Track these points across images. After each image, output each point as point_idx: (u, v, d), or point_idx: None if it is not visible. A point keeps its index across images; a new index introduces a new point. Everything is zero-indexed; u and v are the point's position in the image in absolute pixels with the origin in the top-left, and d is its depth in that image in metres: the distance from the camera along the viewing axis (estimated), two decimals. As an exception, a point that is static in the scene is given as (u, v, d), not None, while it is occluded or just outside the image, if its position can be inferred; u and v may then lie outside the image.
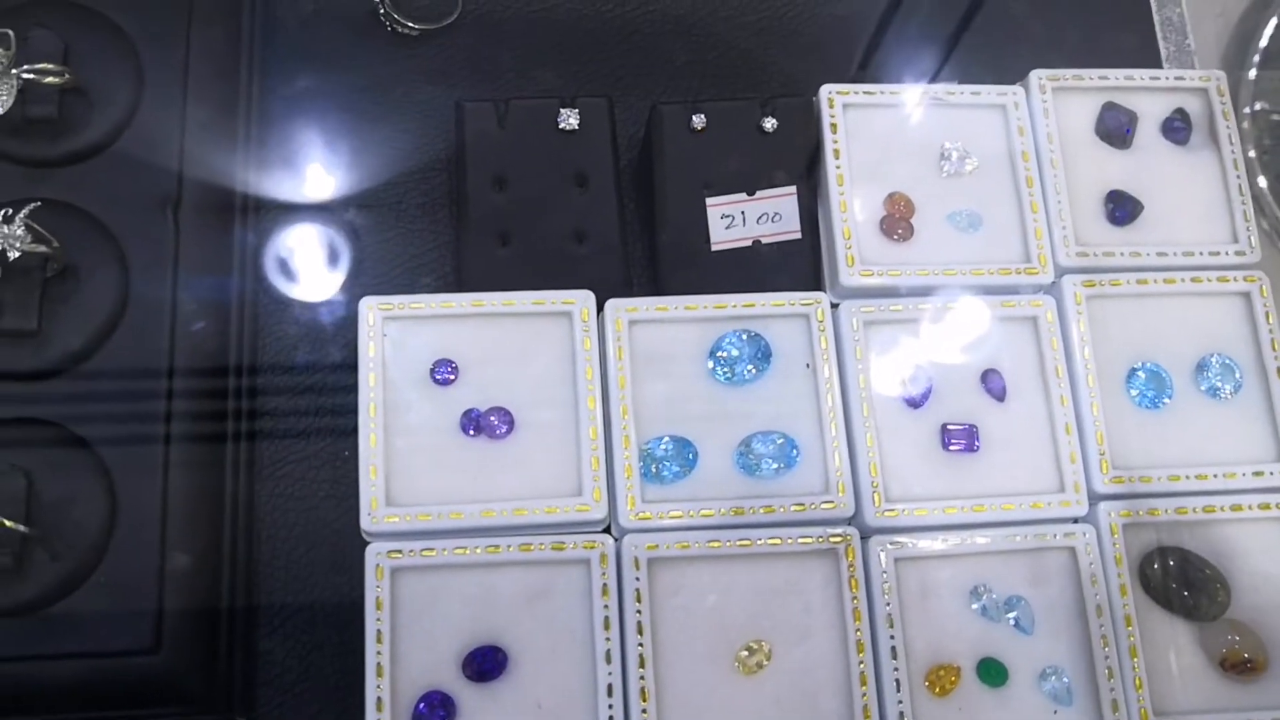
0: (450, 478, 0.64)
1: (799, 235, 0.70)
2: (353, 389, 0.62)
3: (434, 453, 0.64)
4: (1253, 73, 0.82)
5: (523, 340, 0.66)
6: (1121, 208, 0.71)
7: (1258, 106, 0.80)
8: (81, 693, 0.59)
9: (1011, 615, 0.64)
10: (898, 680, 0.62)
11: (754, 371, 0.66)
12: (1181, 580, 0.65)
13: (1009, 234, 0.70)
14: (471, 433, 0.64)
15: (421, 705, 0.60)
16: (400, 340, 0.65)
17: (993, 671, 0.63)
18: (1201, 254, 0.71)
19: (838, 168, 0.69)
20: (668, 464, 0.65)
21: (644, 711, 0.60)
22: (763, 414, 0.66)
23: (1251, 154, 0.81)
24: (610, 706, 0.61)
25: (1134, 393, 0.68)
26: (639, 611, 0.62)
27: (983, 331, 0.68)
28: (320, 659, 0.65)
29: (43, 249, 0.60)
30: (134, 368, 0.61)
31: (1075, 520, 0.66)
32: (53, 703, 0.60)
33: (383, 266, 0.72)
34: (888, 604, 0.63)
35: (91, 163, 0.64)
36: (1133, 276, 0.70)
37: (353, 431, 0.62)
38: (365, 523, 0.62)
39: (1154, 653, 0.65)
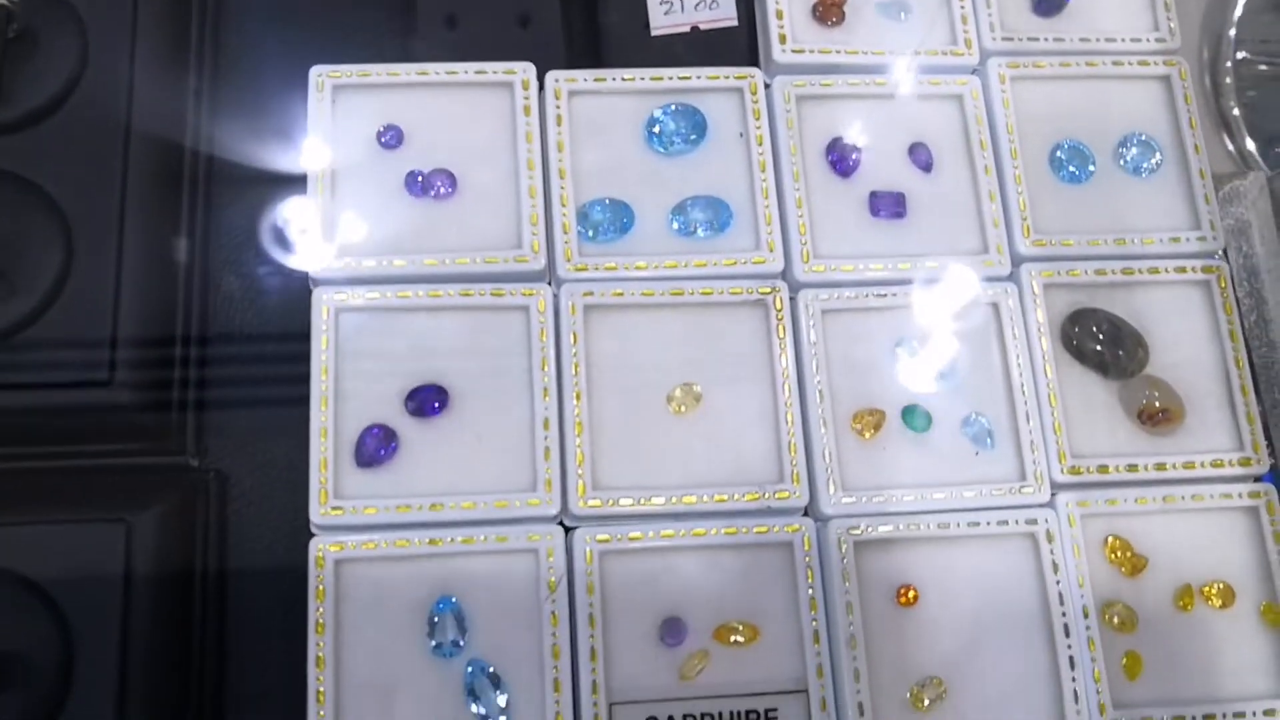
0: (395, 233, 0.66)
1: (735, 22, 0.73)
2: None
3: (380, 211, 0.66)
4: (1232, 31, 0.83)
5: (466, 108, 0.69)
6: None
7: (1240, 56, 0.81)
8: (37, 424, 0.62)
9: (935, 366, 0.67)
10: (824, 420, 0.65)
11: (689, 142, 0.69)
12: (1101, 338, 0.68)
13: (937, 20, 0.73)
14: (416, 193, 0.67)
15: (365, 437, 0.63)
16: (349, 108, 0.68)
17: (917, 416, 0.66)
18: (1123, 40, 0.74)
19: (771, -44, 0.72)
20: (604, 226, 0.67)
21: (579, 445, 0.63)
22: (697, 182, 0.69)
23: (1236, 111, 0.83)
24: (546, 438, 0.63)
25: (1057, 168, 0.71)
26: (575, 352, 0.64)
27: (910, 108, 0.71)
28: (269, 396, 0.67)
29: (3, 3, 0.63)
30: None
31: (998, 280, 0.69)
32: (6, 434, 0.62)
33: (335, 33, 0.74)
34: (814, 351, 0.66)
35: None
36: (1056, 60, 0.72)
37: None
38: (313, 269, 0.64)
39: (1073, 403, 0.67)
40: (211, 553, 0.63)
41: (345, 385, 0.63)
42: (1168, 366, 0.69)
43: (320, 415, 0.62)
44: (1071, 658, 0.62)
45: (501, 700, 0.59)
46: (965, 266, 0.68)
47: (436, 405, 0.63)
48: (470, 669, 0.60)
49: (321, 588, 0.60)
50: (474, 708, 0.59)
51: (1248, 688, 0.64)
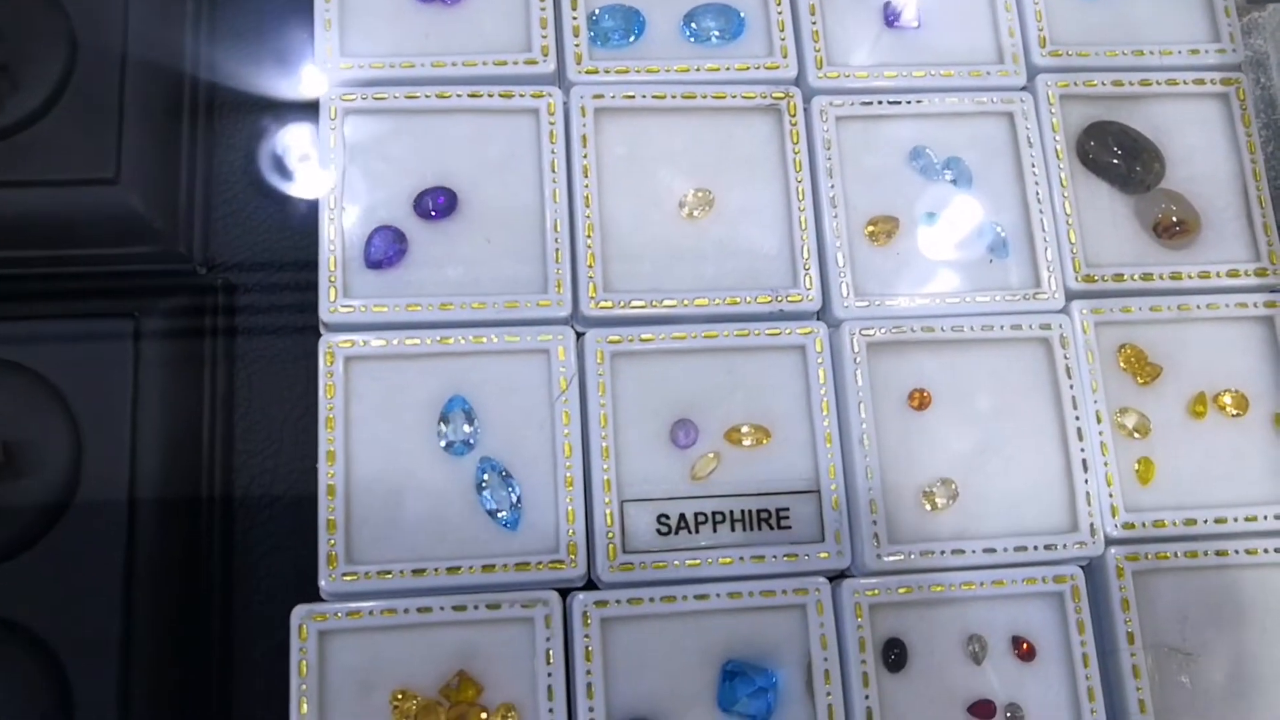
0: (404, 36, 0.65)
1: None
2: None
3: (390, 14, 0.65)
4: None
5: (473, -86, 0.67)
6: None
7: None
8: (42, 224, 0.61)
9: (950, 174, 0.66)
10: (837, 226, 0.64)
11: (700, -51, 0.67)
12: (1118, 151, 0.67)
13: None
14: (424, -1, 0.65)
15: (374, 237, 0.62)
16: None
17: (931, 224, 0.65)
18: None
19: None
20: (614, 32, 0.66)
21: (589, 246, 0.62)
22: (709, -11, 0.67)
23: None
24: (556, 241, 0.62)
25: (1076, -20, 0.70)
26: (585, 155, 0.63)
27: (926, -82, 0.70)
28: (277, 202, 0.66)
29: None
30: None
31: (1014, 90, 0.67)
32: (11, 235, 0.61)
33: None
34: (829, 158, 0.65)
35: None
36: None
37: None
38: (321, 72, 0.63)
39: (1089, 216, 0.67)
40: (220, 354, 0.63)
41: (354, 187, 0.62)
42: (1184, 180, 0.68)
43: (329, 216, 0.62)
44: (1084, 460, 0.62)
45: (513, 495, 0.59)
46: (980, 75, 0.66)
47: (445, 207, 0.62)
48: (481, 466, 0.60)
49: (331, 384, 0.59)
50: (484, 503, 0.59)
51: (1260, 493, 0.64)
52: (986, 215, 0.66)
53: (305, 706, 0.56)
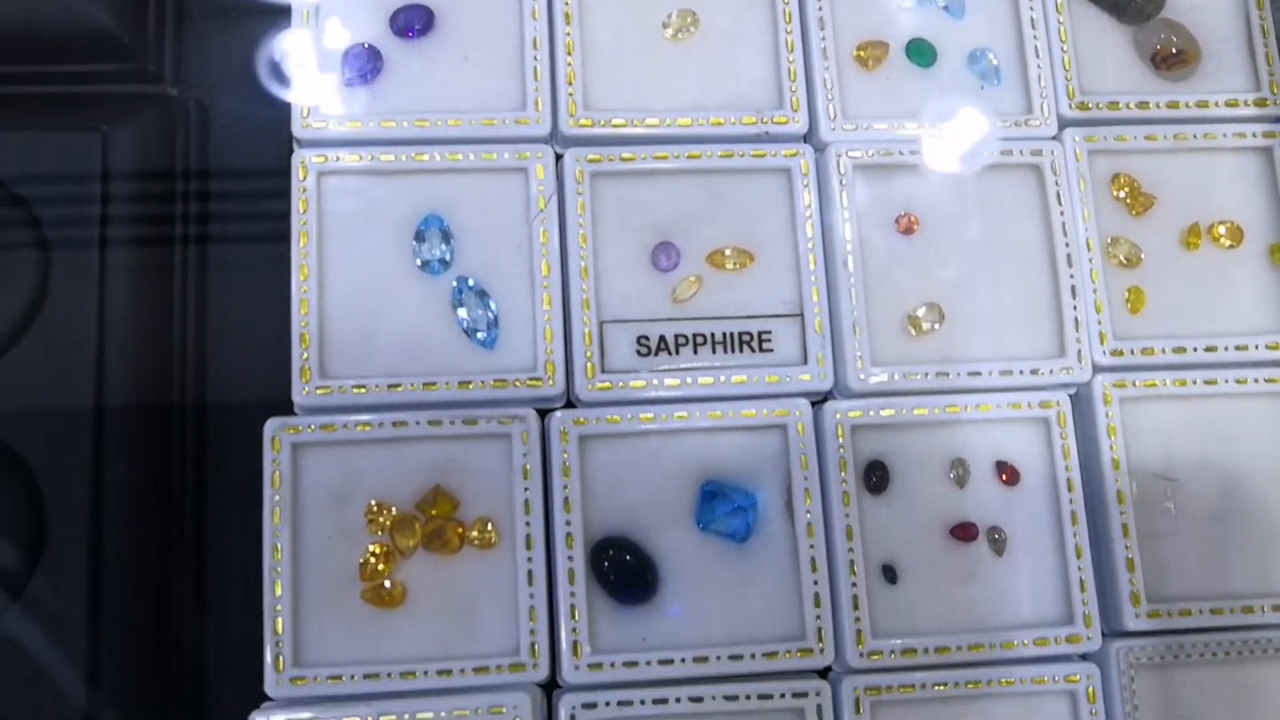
0: None
1: None
2: None
3: None
4: None
5: None
6: None
7: None
8: (9, 36, 0.59)
9: (943, 0, 0.64)
10: (825, 49, 0.62)
11: None
12: (1116, -22, 0.65)
13: None
14: None
15: (349, 54, 0.60)
16: None
17: (922, 51, 0.64)
18: None
19: None
20: None
21: (569, 64, 0.61)
22: None
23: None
24: (535, 58, 0.61)
25: None
26: (567, -28, 0.61)
27: None
28: (248, 18, 0.65)
29: None
30: None
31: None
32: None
33: None
34: (817, -22, 0.63)
35: None
36: None
37: None
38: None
39: (1085, 44, 0.65)
40: (192, 173, 0.61)
41: (329, 5, 0.61)
42: (1185, 9, 0.66)
43: (303, 28, 0.60)
44: (1073, 287, 0.61)
45: (490, 314, 0.58)
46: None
47: (421, 25, 0.61)
48: (458, 285, 0.59)
49: (305, 199, 0.58)
50: (461, 322, 0.58)
51: (1251, 324, 0.63)
52: (978, 43, 0.64)
53: (279, 516, 0.55)
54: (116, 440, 0.58)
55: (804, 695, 0.56)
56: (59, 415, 0.56)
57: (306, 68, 0.59)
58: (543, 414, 0.58)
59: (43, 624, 0.55)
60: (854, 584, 0.57)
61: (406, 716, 0.54)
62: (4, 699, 0.54)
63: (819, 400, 0.60)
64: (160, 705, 0.57)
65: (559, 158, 0.60)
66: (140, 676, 0.57)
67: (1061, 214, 0.62)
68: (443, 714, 0.54)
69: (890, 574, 0.58)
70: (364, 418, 0.57)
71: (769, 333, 0.60)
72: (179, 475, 0.60)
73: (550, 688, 0.57)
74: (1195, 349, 0.61)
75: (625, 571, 0.57)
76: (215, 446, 0.60)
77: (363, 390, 0.57)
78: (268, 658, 0.54)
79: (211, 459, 0.60)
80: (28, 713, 0.55)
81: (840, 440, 0.58)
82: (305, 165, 0.58)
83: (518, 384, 0.57)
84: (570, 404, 0.59)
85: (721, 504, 0.57)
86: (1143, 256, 0.62)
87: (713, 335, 0.59)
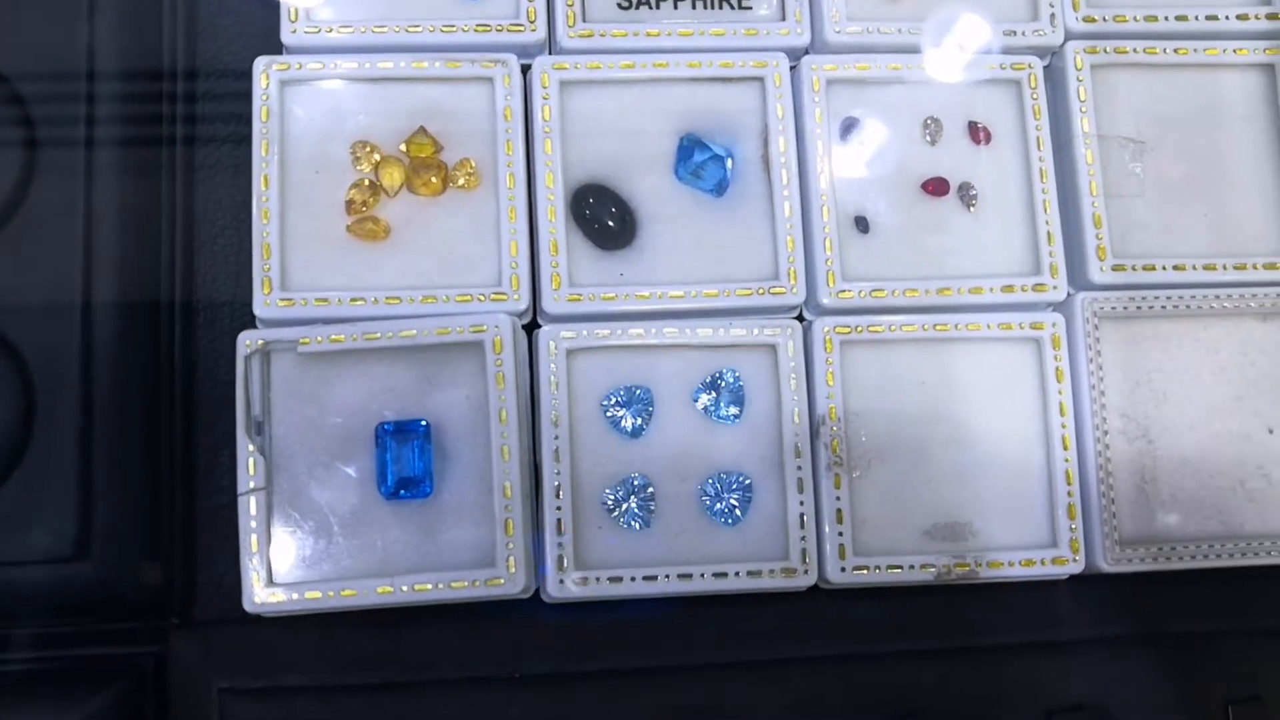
0: None
1: None
2: None
3: None
4: None
5: None
6: None
7: None
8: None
9: None
10: None
11: None
12: None
13: None
14: None
15: None
16: None
17: None
18: None
19: None
20: None
21: None
22: None
23: None
24: None
25: None
26: None
27: None
28: None
29: None
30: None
31: None
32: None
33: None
34: None
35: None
36: None
37: None
38: None
39: None
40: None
41: None
42: None
43: None
44: None
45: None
46: None
47: None
48: (442, -62, 0.59)
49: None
50: None
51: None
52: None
53: (267, 149, 0.57)
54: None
55: (777, 331, 0.58)
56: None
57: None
58: (524, 64, 0.59)
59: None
60: (826, 231, 0.59)
61: (390, 334, 0.55)
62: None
63: (796, 56, 0.61)
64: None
65: None
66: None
67: None
68: (427, 332, 0.55)
69: (863, 224, 0.60)
70: (350, 57, 0.58)
71: (749, -5, 0.61)
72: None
73: (530, 329, 0.58)
74: (1167, 17, 0.62)
75: (605, 219, 0.58)
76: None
77: (349, 30, 0.58)
78: (256, 281, 0.56)
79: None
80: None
81: (816, 93, 0.60)
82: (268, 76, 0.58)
83: (500, 29, 0.58)
84: (551, 53, 0.60)
85: (700, 152, 0.59)
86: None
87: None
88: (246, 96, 0.58)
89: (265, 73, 0.57)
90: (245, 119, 0.58)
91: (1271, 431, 0.60)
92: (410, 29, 0.58)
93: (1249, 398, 0.60)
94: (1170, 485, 0.59)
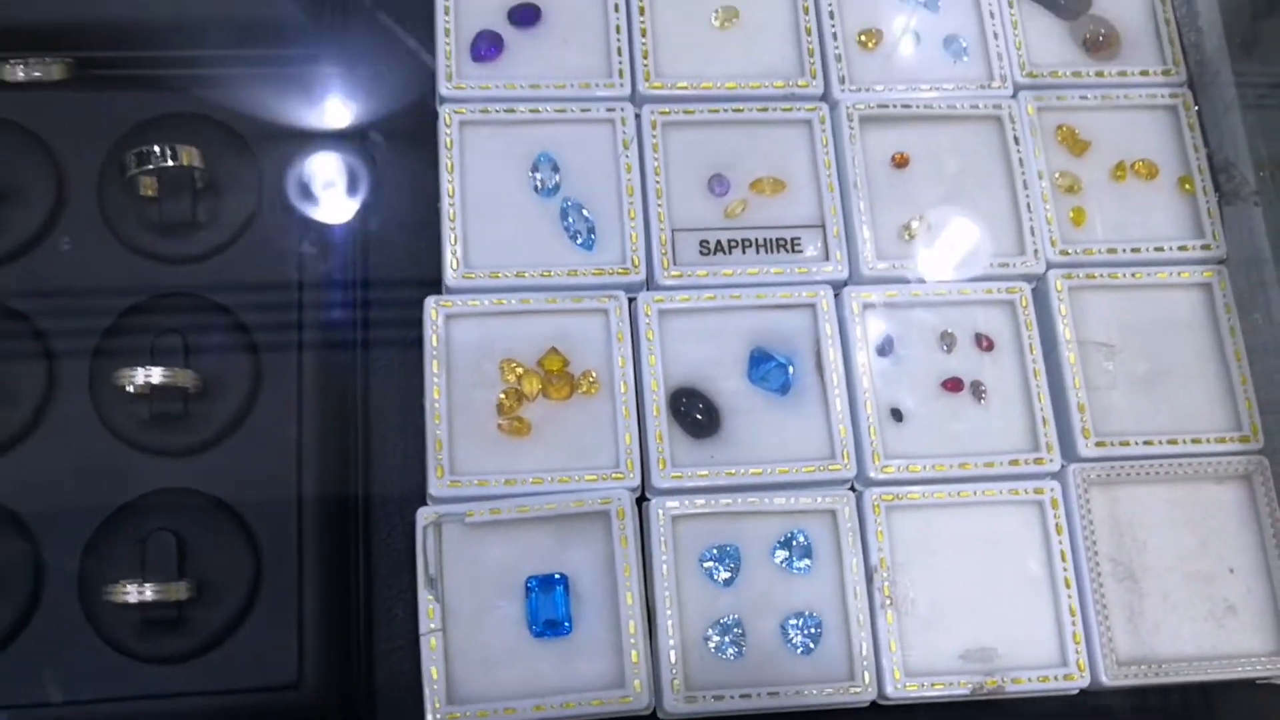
0: None
1: None
2: None
3: None
4: None
5: None
6: None
7: None
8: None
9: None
10: (835, 33, 0.83)
11: None
12: (1054, -15, 0.86)
13: None
14: None
15: (478, 39, 0.81)
16: None
17: (910, 36, 0.84)
18: None
19: None
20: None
21: (643, 32, 0.81)
22: None
23: None
24: (617, 38, 0.81)
25: None
26: (640, -23, 0.82)
27: None
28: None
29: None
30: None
31: (971, -64, 0.87)
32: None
33: None
34: (828, -16, 0.84)
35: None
36: None
37: None
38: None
39: (1033, 34, 0.86)
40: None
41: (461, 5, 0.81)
42: (1109, 7, 0.87)
43: (444, 16, 0.81)
44: (1029, 204, 0.81)
45: (589, 225, 0.77)
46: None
47: (532, 18, 0.82)
48: (564, 204, 0.78)
49: (450, 140, 0.78)
50: (568, 229, 0.77)
51: (1167, 233, 0.82)
52: (951, 29, 0.84)
53: (437, 367, 0.74)
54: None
55: (836, 500, 0.74)
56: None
57: (447, 44, 0.79)
58: (630, 298, 0.77)
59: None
60: (869, 420, 0.76)
61: (536, 507, 0.71)
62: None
63: (839, 288, 0.79)
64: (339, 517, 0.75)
65: (638, 115, 0.80)
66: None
67: (1019, 154, 0.82)
68: (564, 505, 0.72)
69: (898, 415, 0.77)
70: (499, 296, 0.76)
71: (799, 239, 0.79)
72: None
73: (641, 501, 0.74)
74: (1124, 250, 0.81)
75: (696, 414, 0.75)
76: (380, 316, 0.79)
77: (497, 276, 0.76)
78: (430, 468, 0.72)
79: (376, 326, 0.79)
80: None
81: (856, 315, 0.77)
82: (450, 120, 0.78)
83: (612, 272, 0.77)
84: (650, 289, 0.78)
85: (767, 362, 0.76)
86: (1082, 186, 0.82)
87: (756, 240, 0.79)
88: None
89: (434, 308, 0.75)
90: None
91: (1232, 571, 0.76)
92: (544, 274, 0.76)
93: (1212, 544, 0.76)
94: (1154, 616, 0.74)
